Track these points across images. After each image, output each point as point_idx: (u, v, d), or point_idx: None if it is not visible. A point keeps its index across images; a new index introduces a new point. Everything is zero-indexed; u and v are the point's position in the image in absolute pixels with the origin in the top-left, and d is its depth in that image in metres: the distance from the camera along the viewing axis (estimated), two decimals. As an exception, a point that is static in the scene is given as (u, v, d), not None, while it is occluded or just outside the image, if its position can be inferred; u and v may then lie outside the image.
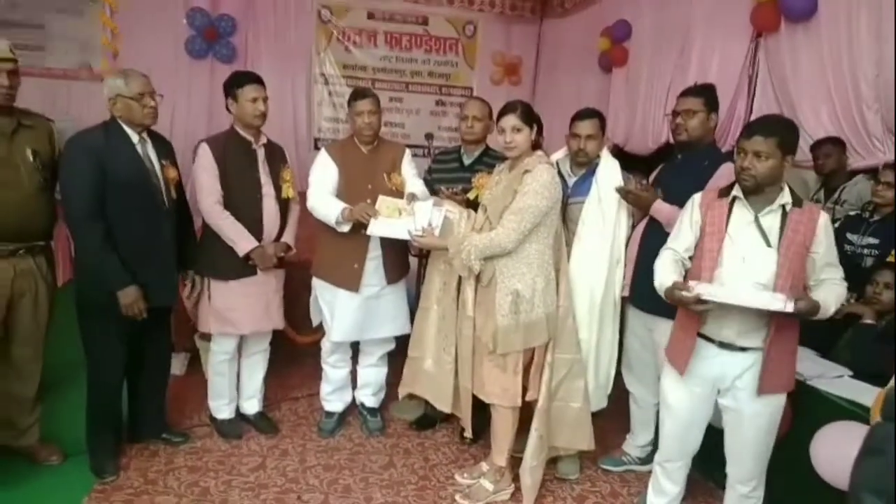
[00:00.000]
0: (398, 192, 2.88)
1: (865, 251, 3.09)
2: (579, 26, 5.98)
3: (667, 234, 2.53)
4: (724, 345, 2.15)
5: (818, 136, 3.43)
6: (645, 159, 4.74)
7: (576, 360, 2.70)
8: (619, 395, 3.00)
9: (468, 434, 2.84)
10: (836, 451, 2.09)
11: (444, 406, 2.82)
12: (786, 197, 2.09)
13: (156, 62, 5.10)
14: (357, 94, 2.97)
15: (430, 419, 3.27)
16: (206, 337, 3.06)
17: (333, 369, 3.17)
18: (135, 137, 2.56)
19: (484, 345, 2.58)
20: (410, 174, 3.02)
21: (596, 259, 2.73)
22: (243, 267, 2.81)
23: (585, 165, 2.81)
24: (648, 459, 2.89)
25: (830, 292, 2.06)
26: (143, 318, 2.56)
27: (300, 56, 6.48)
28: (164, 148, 2.69)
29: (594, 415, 2.80)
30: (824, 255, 2.09)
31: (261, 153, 2.90)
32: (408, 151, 3.10)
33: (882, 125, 3.09)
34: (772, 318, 2.05)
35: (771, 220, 2.09)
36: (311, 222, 3.00)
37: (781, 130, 2.07)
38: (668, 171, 2.80)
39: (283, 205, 2.95)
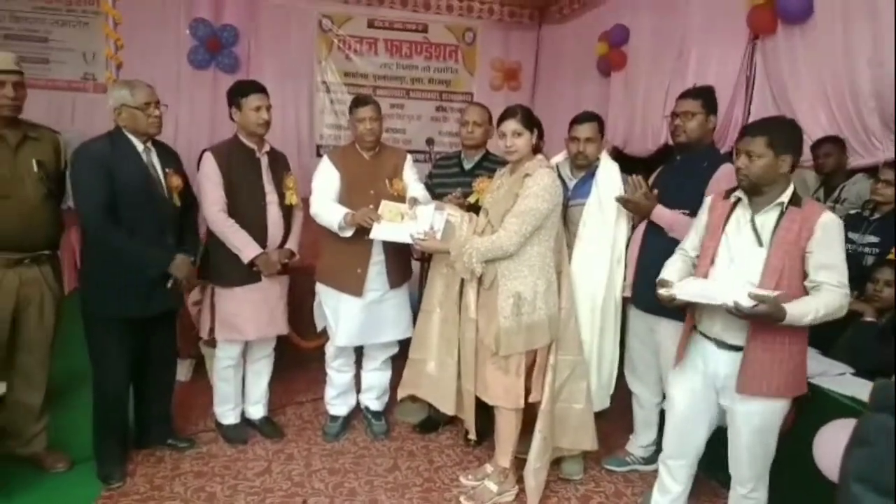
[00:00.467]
0: (400, 197, 2.91)
1: (866, 249, 3.10)
2: (577, 32, 6.03)
3: (668, 236, 2.56)
4: (718, 342, 2.17)
5: (817, 136, 3.45)
6: (644, 161, 4.77)
7: (578, 361, 2.71)
8: (622, 395, 3.00)
9: (472, 436, 2.85)
10: (838, 449, 2.09)
11: (447, 408, 2.83)
12: (785, 196, 2.08)
13: (159, 73, 5.16)
14: (358, 101, 3.01)
15: (433, 422, 3.28)
16: (212, 343, 3.08)
17: (338, 373, 3.18)
18: (140, 146, 2.59)
19: (486, 347, 2.59)
20: (412, 179, 3.05)
21: (597, 260, 2.75)
22: (248, 274, 2.84)
23: (585, 168, 2.83)
24: (652, 459, 2.90)
25: (817, 298, 2.01)
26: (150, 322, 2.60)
27: (302, 65, 6.54)
28: (169, 156, 2.73)
29: (597, 415, 2.81)
30: (818, 255, 2.02)
31: (264, 161, 2.93)
32: (409, 157, 3.13)
33: (881, 123, 3.10)
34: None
35: (766, 220, 2.10)
36: (315, 228, 3.02)
37: (771, 129, 2.08)
38: (668, 173, 2.82)
39: (287, 211, 2.98)
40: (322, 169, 3.01)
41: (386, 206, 2.79)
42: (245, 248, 2.79)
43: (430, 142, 3.99)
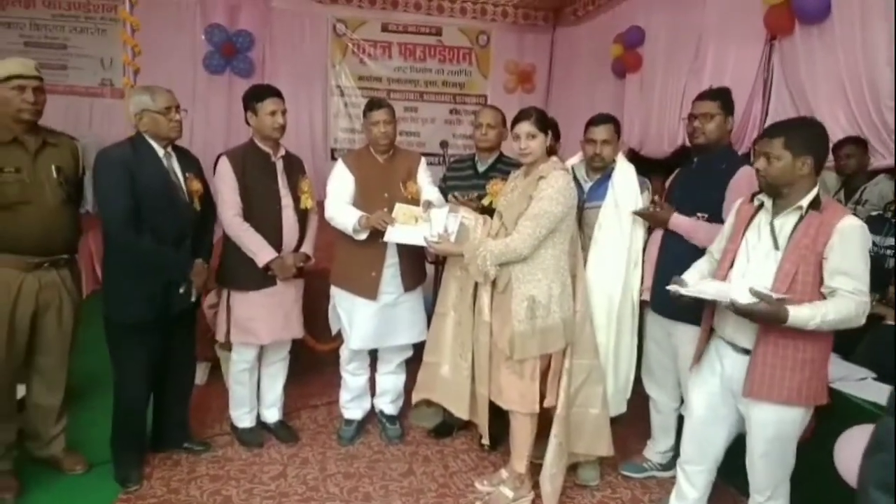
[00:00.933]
0: (414, 200, 2.91)
1: (888, 252, 3.05)
2: (592, 33, 6.01)
3: (686, 241, 2.54)
4: (733, 345, 2.16)
5: (836, 137, 3.40)
6: (661, 163, 4.73)
7: (594, 365, 2.69)
8: (639, 400, 2.97)
9: (485, 441, 2.83)
10: (860, 456, 2.05)
11: (461, 412, 2.82)
12: (805, 199, 2.03)
13: (175, 78, 5.21)
14: (372, 105, 3.01)
15: (448, 426, 3.27)
16: (227, 346, 3.09)
17: (352, 377, 3.18)
18: (161, 151, 2.62)
19: (501, 351, 2.58)
20: (426, 182, 3.05)
21: (613, 263, 2.73)
22: (263, 277, 2.85)
23: (601, 170, 2.81)
24: (670, 465, 2.86)
25: (826, 303, 1.96)
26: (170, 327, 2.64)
27: (316, 69, 6.58)
28: (189, 161, 2.75)
29: (613, 420, 2.78)
30: (834, 260, 1.95)
31: (279, 165, 2.94)
32: (423, 159, 3.13)
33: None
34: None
35: (785, 223, 2.06)
36: (329, 232, 3.03)
37: (789, 130, 2.04)
38: (685, 176, 2.79)
39: (302, 215, 2.99)
40: (336, 172, 3.02)
41: (400, 209, 2.79)
42: (260, 251, 2.80)
43: (443, 144, 4.00)
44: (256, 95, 2.85)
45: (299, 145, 5.76)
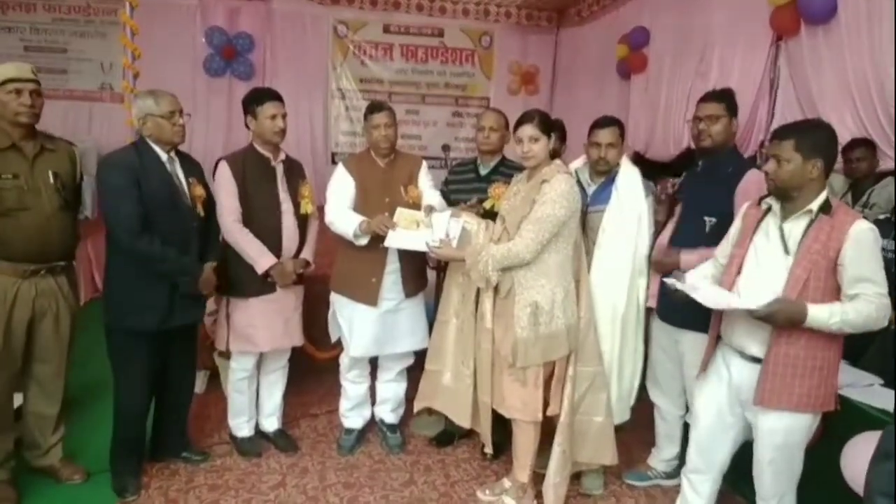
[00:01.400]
0: (415, 205, 2.87)
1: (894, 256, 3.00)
2: (596, 34, 5.98)
3: (692, 244, 2.49)
4: (741, 353, 2.13)
5: (843, 138, 3.36)
6: (667, 166, 4.70)
7: (598, 372, 2.65)
8: (644, 408, 2.93)
9: (488, 450, 2.80)
10: (867, 463, 2.02)
11: (463, 421, 2.78)
12: (815, 203, 2.00)
13: (175, 81, 5.17)
14: (373, 108, 2.98)
15: (449, 435, 3.23)
16: (226, 355, 3.06)
17: (353, 385, 3.15)
18: (164, 156, 2.59)
19: (503, 358, 2.54)
20: (427, 186, 3.02)
21: (617, 268, 2.68)
22: (263, 284, 2.82)
23: (605, 174, 2.77)
24: (675, 474, 2.82)
25: (846, 304, 1.94)
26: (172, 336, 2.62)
27: (317, 72, 6.56)
28: (192, 166, 2.73)
29: (617, 428, 2.74)
30: (852, 267, 1.92)
31: (280, 169, 2.90)
32: (424, 163, 3.10)
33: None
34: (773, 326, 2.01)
35: (795, 227, 2.03)
36: (329, 237, 3.00)
37: (800, 133, 2.01)
38: (691, 181, 2.75)
39: (302, 220, 2.95)
40: (337, 177, 2.99)
41: (401, 214, 2.76)
42: (260, 258, 2.77)
43: (445, 148, 3.96)
44: (256, 99, 2.83)
45: (300, 149, 5.76)
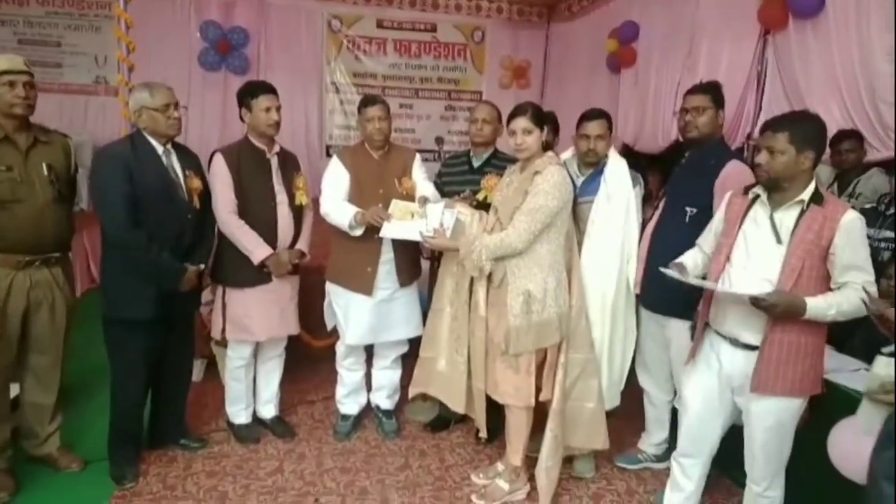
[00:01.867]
0: (409, 197, 2.91)
1: (882, 245, 3.06)
2: (587, 29, 6.01)
3: (678, 234, 2.53)
4: (733, 341, 2.15)
5: (830, 130, 3.39)
6: (657, 158, 4.75)
7: (589, 359, 2.70)
8: (634, 393, 2.99)
9: (482, 434, 2.84)
10: (853, 446, 2.07)
11: (457, 406, 2.82)
12: (806, 193, 2.04)
13: (170, 75, 5.19)
14: (367, 101, 3.01)
15: (444, 420, 3.28)
16: (223, 343, 3.09)
17: (348, 372, 3.19)
18: (160, 149, 2.61)
19: (496, 345, 2.58)
20: (421, 178, 3.05)
21: (607, 258, 2.73)
22: (258, 274, 2.85)
23: (594, 165, 2.81)
24: (664, 457, 2.88)
25: (838, 293, 1.99)
26: (169, 325, 2.66)
27: (311, 66, 6.57)
28: (189, 159, 2.74)
29: (608, 413, 2.79)
30: (843, 256, 1.98)
31: (274, 161, 2.93)
32: (418, 156, 3.13)
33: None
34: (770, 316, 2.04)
35: (786, 217, 2.06)
36: (325, 228, 3.03)
37: (794, 125, 2.03)
38: (677, 172, 2.80)
39: (297, 212, 2.99)
40: (332, 169, 3.02)
41: (396, 205, 2.79)
42: (255, 249, 2.80)
43: (439, 141, 3.99)
44: (250, 92, 2.85)
45: (294, 142, 5.77)
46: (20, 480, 2.61)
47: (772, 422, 2.13)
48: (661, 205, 2.76)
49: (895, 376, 1.70)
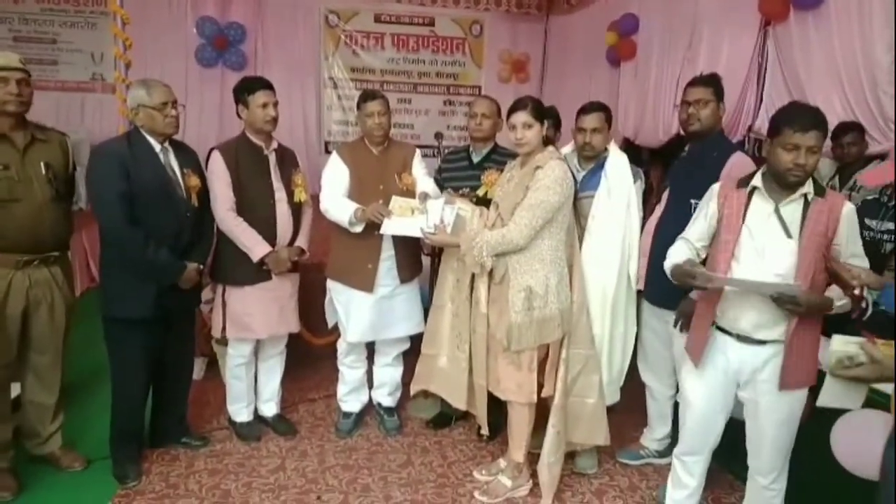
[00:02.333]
0: (409, 192, 2.89)
1: (884, 236, 3.04)
2: (586, 21, 5.99)
3: (680, 229, 2.51)
4: (741, 337, 2.13)
5: (830, 122, 3.37)
6: (657, 152, 4.73)
7: (590, 355, 2.69)
8: (636, 388, 2.98)
9: (484, 431, 2.84)
10: (855, 440, 2.07)
11: (459, 403, 2.82)
12: (808, 186, 2.03)
13: (167, 71, 5.19)
14: (366, 96, 2.99)
15: (446, 417, 3.27)
16: (224, 342, 3.09)
17: (350, 370, 3.18)
18: (157, 146, 2.60)
19: (498, 342, 2.58)
20: (421, 174, 3.04)
21: (607, 253, 2.71)
22: (258, 272, 2.84)
23: (593, 159, 2.80)
24: (667, 452, 2.87)
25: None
26: (168, 323, 2.65)
27: (309, 61, 6.55)
28: (188, 156, 2.73)
29: (610, 409, 2.79)
30: (848, 246, 2.03)
31: (272, 158, 2.92)
32: (418, 151, 3.12)
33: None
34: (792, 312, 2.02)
35: (792, 211, 2.04)
36: (324, 225, 3.02)
37: (819, 124, 1.98)
38: (679, 166, 2.78)
39: (296, 209, 2.97)
40: (331, 165, 3.00)
41: (396, 202, 2.78)
42: (255, 246, 2.79)
43: (438, 136, 3.95)
44: (247, 88, 2.83)
45: (293, 138, 5.76)
46: (23, 480, 2.61)
47: (785, 414, 2.14)
48: (664, 198, 2.74)
49: (853, 351, 1.73)
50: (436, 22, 6.76)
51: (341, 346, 3.15)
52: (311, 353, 3.72)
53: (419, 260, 3.16)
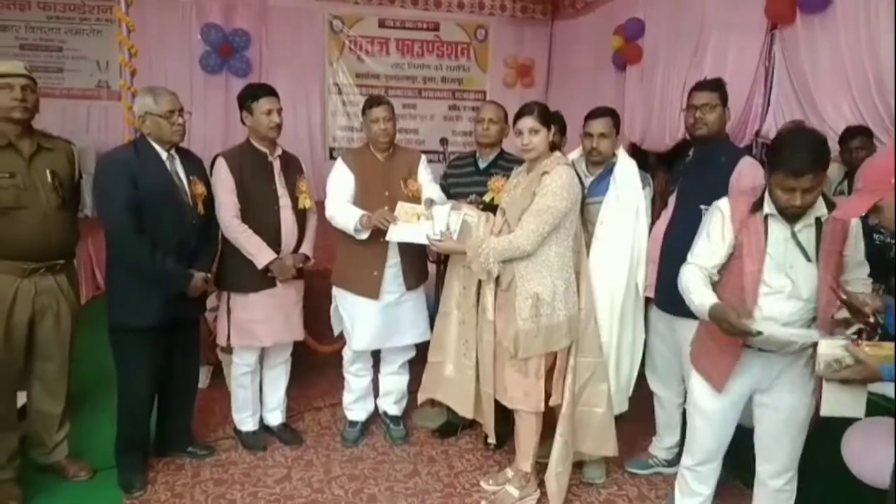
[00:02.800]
0: (415, 198, 2.88)
1: (894, 242, 3.02)
2: (591, 26, 5.98)
3: (693, 233, 2.46)
4: (762, 350, 2.10)
5: (838, 126, 3.37)
6: (663, 156, 4.71)
7: (599, 363, 2.66)
8: (644, 396, 2.95)
9: (491, 440, 2.82)
10: (866, 448, 2.04)
11: (465, 411, 2.80)
12: (821, 209, 2.00)
13: (172, 78, 5.20)
14: (372, 102, 2.98)
15: (452, 426, 3.25)
16: (229, 350, 3.07)
17: (355, 378, 3.17)
18: (164, 154, 2.60)
19: (505, 349, 2.56)
20: (427, 180, 3.02)
21: (615, 260, 2.69)
22: (263, 279, 2.82)
23: (600, 165, 2.78)
24: (675, 461, 2.84)
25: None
26: (174, 332, 2.65)
27: (313, 67, 6.56)
28: (193, 164, 2.73)
29: (617, 417, 2.76)
30: (855, 254, 2.04)
31: (277, 164, 2.91)
32: (423, 157, 3.11)
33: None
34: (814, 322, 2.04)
35: (808, 234, 2.02)
36: (330, 231, 3.01)
37: (823, 159, 1.94)
38: (685, 171, 2.75)
39: (301, 215, 2.96)
40: (336, 171, 2.99)
41: (402, 208, 2.77)
42: (259, 253, 2.78)
43: (443, 142, 3.95)
44: (251, 95, 2.83)
45: (297, 144, 5.75)
46: (29, 490, 2.59)
47: (803, 413, 2.14)
48: (672, 204, 2.71)
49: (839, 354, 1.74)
50: (440, 27, 6.77)
51: (347, 354, 3.13)
52: (316, 362, 3.69)
53: (425, 267, 3.15)
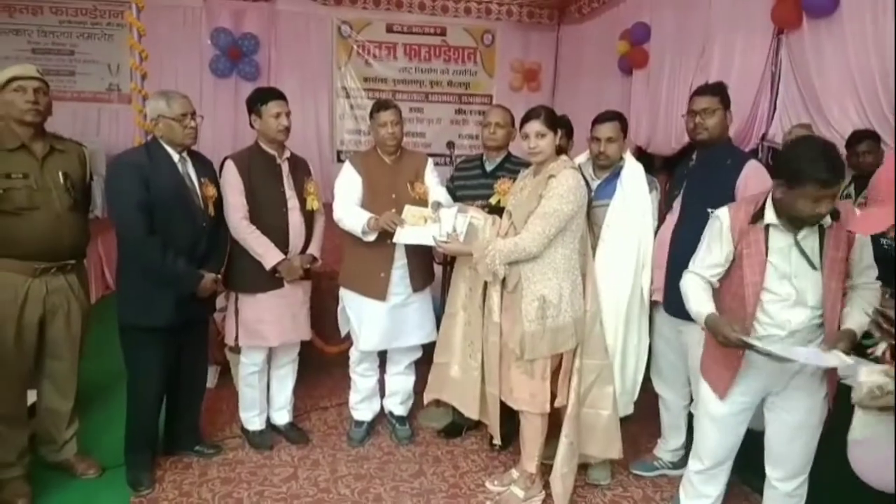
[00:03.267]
0: (422, 201, 2.90)
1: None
2: (597, 30, 6.00)
3: (697, 238, 2.46)
4: (783, 358, 2.08)
5: (845, 130, 3.37)
6: (669, 160, 4.72)
7: (604, 365, 2.67)
8: (650, 398, 2.96)
9: (496, 441, 2.83)
10: (874, 452, 2.04)
11: (471, 412, 2.81)
12: (826, 217, 1.99)
13: (182, 82, 5.25)
14: (379, 106, 3.01)
15: (458, 427, 3.26)
16: (236, 350, 3.10)
17: (362, 378, 3.18)
18: (175, 157, 2.63)
19: (511, 351, 2.57)
20: (433, 182, 3.05)
21: (621, 262, 2.70)
22: (270, 280, 2.85)
23: (607, 168, 2.79)
24: (681, 463, 2.84)
25: (859, 307, 1.98)
26: (184, 332, 2.68)
27: (322, 71, 6.60)
28: (204, 166, 2.76)
29: (623, 419, 2.76)
30: (864, 258, 2.02)
31: (285, 167, 2.94)
32: (430, 160, 3.13)
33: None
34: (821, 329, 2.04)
35: (811, 242, 2.01)
36: (337, 233, 3.03)
37: (843, 165, 1.98)
38: (689, 176, 2.74)
39: (308, 217, 2.99)
40: (344, 174, 3.02)
41: (409, 210, 2.79)
42: (267, 254, 2.80)
43: (450, 145, 3.98)
44: (260, 98, 2.86)
45: (305, 147, 5.79)
46: (37, 487, 2.61)
47: (817, 416, 2.14)
48: (675, 207, 2.72)
49: (883, 381, 1.69)
50: (447, 31, 6.80)
51: (353, 354, 3.15)
52: (323, 362, 3.72)
53: (431, 268, 3.17)
